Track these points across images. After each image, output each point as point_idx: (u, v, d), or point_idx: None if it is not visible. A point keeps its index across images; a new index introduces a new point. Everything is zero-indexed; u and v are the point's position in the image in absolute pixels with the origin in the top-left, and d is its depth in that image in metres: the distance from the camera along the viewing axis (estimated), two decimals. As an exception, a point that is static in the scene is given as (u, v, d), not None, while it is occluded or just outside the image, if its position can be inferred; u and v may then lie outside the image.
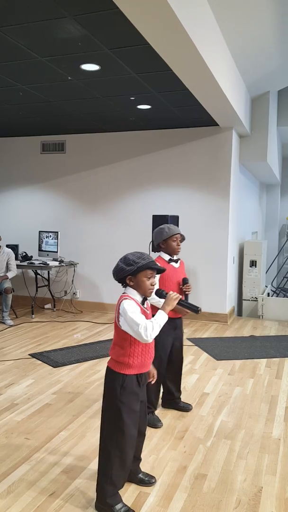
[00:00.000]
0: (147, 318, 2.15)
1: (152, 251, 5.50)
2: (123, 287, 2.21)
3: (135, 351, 2.15)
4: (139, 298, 2.17)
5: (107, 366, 2.24)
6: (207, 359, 4.67)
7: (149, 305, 2.29)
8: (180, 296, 2.25)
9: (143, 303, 2.19)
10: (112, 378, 2.19)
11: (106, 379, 2.22)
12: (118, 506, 2.18)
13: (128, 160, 6.79)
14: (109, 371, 2.22)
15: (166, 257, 3.16)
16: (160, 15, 2.88)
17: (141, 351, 2.17)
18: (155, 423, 3.13)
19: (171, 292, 2.23)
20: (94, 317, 6.59)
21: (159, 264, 3.07)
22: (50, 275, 7.12)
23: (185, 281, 3.15)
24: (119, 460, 2.16)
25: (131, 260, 2.12)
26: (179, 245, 3.15)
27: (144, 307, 2.19)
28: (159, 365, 3.10)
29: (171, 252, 3.15)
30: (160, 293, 2.28)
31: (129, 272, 2.12)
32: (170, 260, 3.15)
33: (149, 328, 2.05)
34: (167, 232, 3.11)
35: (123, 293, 2.19)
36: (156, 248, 3.24)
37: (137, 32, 3.25)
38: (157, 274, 2.22)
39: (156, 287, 2.40)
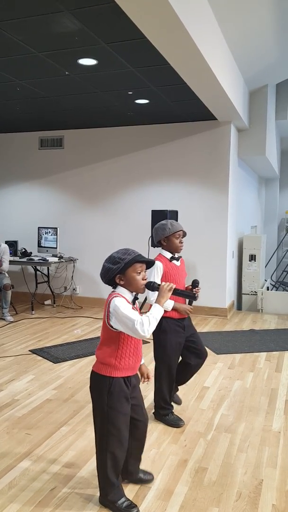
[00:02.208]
0: None
1: (152, 246, 5.51)
2: (113, 288, 2.11)
3: (124, 352, 2.08)
4: (129, 297, 2.09)
5: (92, 371, 2.16)
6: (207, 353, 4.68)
7: (137, 306, 2.19)
8: (174, 285, 2.11)
9: (133, 302, 2.11)
10: (98, 382, 2.11)
11: (92, 384, 2.15)
12: (120, 501, 2.16)
13: (127, 155, 6.77)
14: (94, 375, 2.14)
15: (168, 255, 2.99)
16: (157, 9, 2.86)
17: (130, 353, 2.10)
18: (177, 423, 3.06)
19: (163, 283, 2.10)
20: (94, 313, 6.60)
21: (162, 263, 2.94)
22: (50, 271, 7.12)
23: (195, 284, 2.91)
24: (111, 461, 2.13)
25: (117, 258, 2.04)
26: (181, 243, 2.99)
27: (134, 307, 2.10)
28: (170, 365, 3.02)
29: (174, 250, 2.99)
30: (152, 286, 2.12)
31: (117, 270, 2.03)
32: (172, 258, 2.99)
33: (146, 323, 1.95)
34: (170, 229, 2.93)
35: (112, 291, 2.10)
36: (156, 244, 3.08)
37: (134, 26, 3.23)
38: (147, 268, 2.12)
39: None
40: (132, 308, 2.07)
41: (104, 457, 2.13)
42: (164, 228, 2.96)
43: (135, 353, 2.13)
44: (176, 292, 2.20)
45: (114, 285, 2.11)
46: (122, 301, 2.03)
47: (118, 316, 1.99)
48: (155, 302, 2.07)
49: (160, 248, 3.06)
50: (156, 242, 3.05)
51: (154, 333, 2.93)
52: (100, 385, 2.10)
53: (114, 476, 2.16)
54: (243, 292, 7.21)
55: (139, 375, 2.32)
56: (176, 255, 3.03)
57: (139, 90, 4.99)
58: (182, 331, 3.05)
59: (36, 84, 4.83)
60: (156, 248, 5.56)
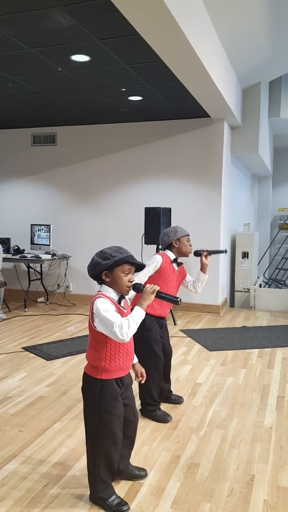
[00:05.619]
0: (123, 317, 1.99)
1: (145, 243, 5.51)
2: (98, 284, 2.06)
3: (111, 353, 2.01)
4: (115, 297, 2.03)
5: (84, 372, 2.12)
6: (200, 350, 4.70)
7: (128, 304, 2.15)
8: (158, 288, 2.05)
9: (119, 302, 2.05)
10: (89, 384, 2.08)
11: (84, 385, 2.11)
12: (111, 498, 2.14)
13: (120, 152, 6.76)
14: (86, 377, 2.10)
15: (172, 256, 3.11)
16: (150, 5, 2.85)
17: (119, 354, 2.03)
18: (165, 418, 3.09)
19: (147, 285, 2.05)
20: (87, 310, 6.55)
21: (163, 259, 3.01)
22: (43, 268, 7.10)
23: (198, 252, 3.17)
24: (104, 461, 2.11)
25: (108, 253, 1.98)
26: (191, 246, 3.15)
27: (121, 306, 2.06)
28: (157, 362, 3.07)
29: (184, 251, 3.12)
30: (137, 288, 2.07)
31: (105, 266, 1.97)
32: (174, 261, 3.11)
33: (125, 326, 1.88)
34: (181, 231, 3.11)
35: (98, 291, 2.04)
36: (165, 247, 3.14)
37: (127, 22, 3.22)
38: (136, 271, 2.05)
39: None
40: (118, 308, 2.02)
41: (97, 457, 2.10)
42: (175, 231, 3.12)
43: (125, 353, 2.07)
44: (159, 295, 2.10)
45: (99, 280, 2.05)
46: (104, 302, 1.96)
47: (99, 318, 1.93)
48: (137, 305, 2.00)
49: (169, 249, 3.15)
50: (166, 245, 3.14)
51: (137, 331, 2.96)
52: (92, 387, 2.06)
53: (106, 475, 2.14)
54: (235, 289, 7.24)
55: (134, 373, 2.30)
56: (179, 260, 3.15)
57: (132, 87, 4.98)
58: (160, 330, 3.15)
59: (28, 80, 4.80)
60: (149, 245, 5.58)
